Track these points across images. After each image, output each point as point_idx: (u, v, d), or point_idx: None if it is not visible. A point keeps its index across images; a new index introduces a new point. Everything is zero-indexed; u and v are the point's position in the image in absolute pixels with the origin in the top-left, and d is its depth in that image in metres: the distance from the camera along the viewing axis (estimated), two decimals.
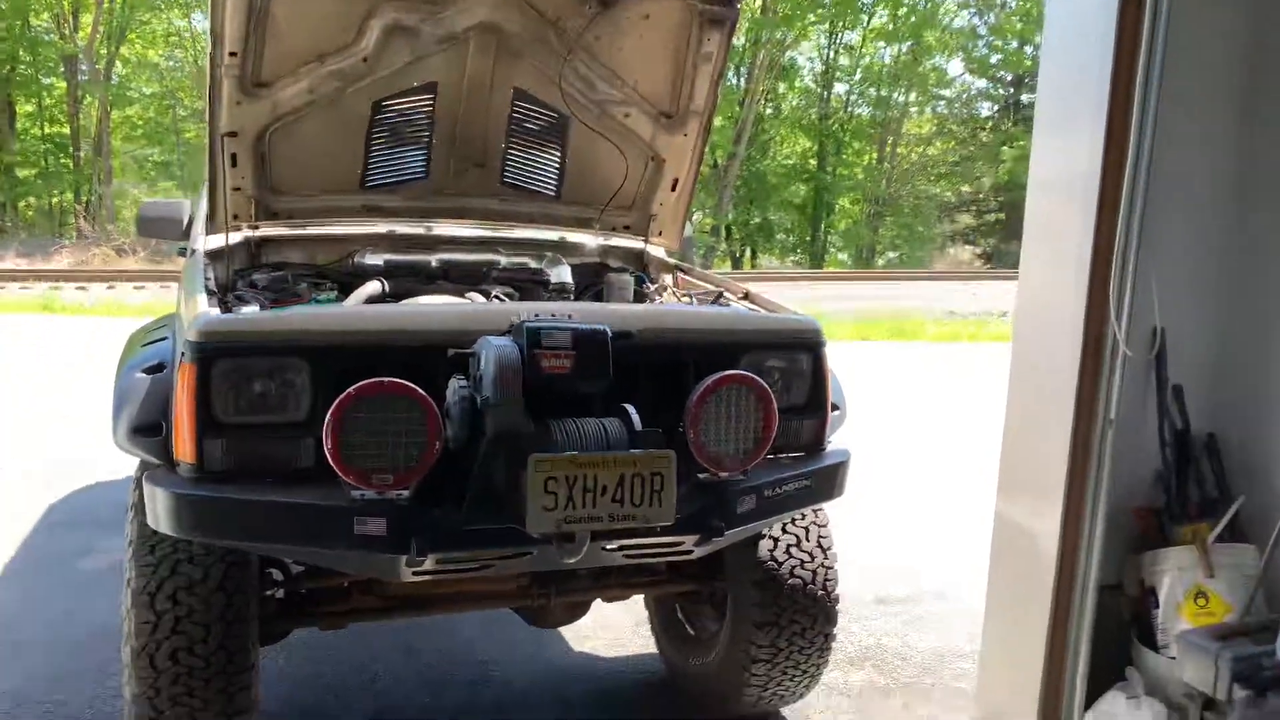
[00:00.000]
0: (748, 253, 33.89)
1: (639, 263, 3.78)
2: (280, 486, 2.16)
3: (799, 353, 2.61)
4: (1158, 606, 2.74)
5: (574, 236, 3.75)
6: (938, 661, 3.65)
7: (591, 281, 3.59)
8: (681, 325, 2.58)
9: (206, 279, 2.74)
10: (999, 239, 31.97)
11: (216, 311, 2.36)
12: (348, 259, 3.35)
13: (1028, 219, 2.96)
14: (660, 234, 3.73)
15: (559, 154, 3.49)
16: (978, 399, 7.95)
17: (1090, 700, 2.79)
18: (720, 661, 2.99)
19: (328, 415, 2.02)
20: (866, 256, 33.44)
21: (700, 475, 2.34)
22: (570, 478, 2.06)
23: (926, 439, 7.41)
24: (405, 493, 2.09)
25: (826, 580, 2.89)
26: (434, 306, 2.79)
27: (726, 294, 3.28)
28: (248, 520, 2.17)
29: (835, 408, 2.75)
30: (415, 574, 2.20)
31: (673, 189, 3.58)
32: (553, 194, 3.58)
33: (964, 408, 8.33)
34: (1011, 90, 33.99)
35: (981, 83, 35.32)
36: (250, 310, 2.67)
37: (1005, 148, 32.05)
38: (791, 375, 2.59)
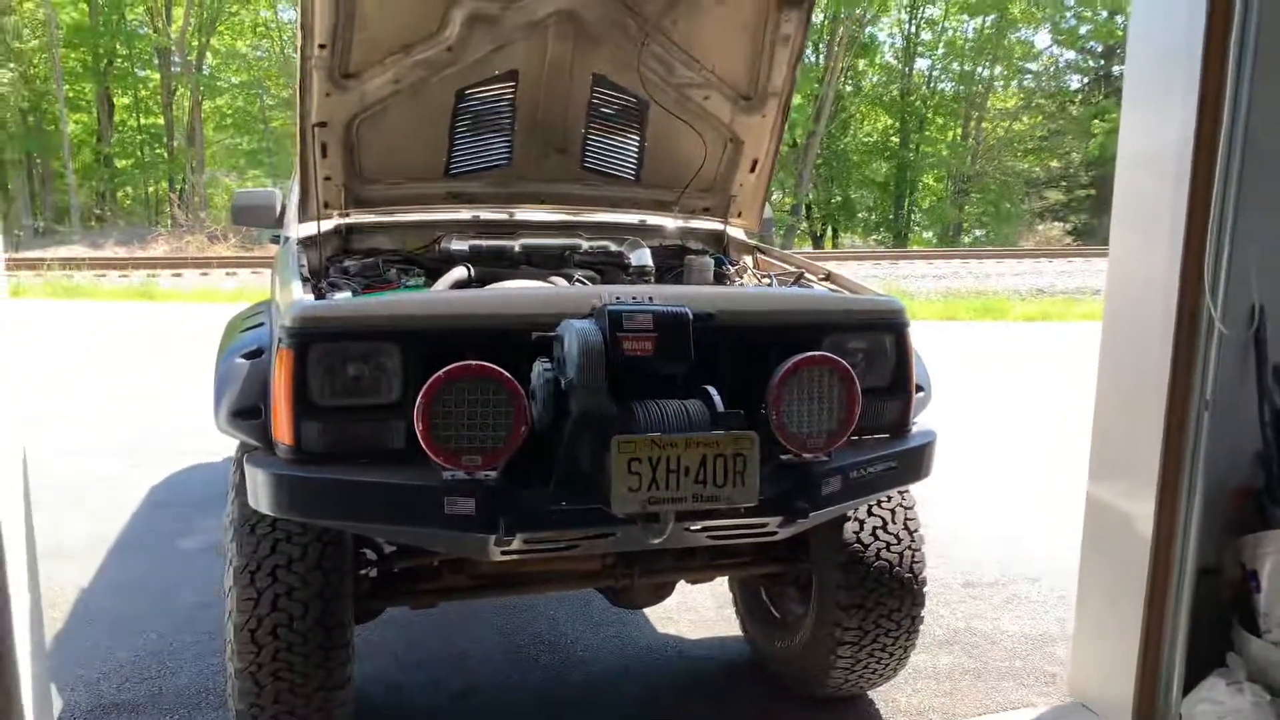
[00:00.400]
0: (829, 231, 33.53)
1: (719, 244, 3.78)
2: (374, 467, 2.22)
3: (882, 333, 2.59)
4: (1260, 591, 2.66)
5: (654, 219, 3.76)
6: (1028, 645, 3.59)
7: (672, 264, 3.60)
8: (762, 307, 2.58)
9: (300, 266, 2.81)
10: (1090, 215, 31.05)
11: (311, 298, 2.43)
12: (434, 245, 3.42)
13: (1117, 194, 2.88)
14: (740, 215, 3.72)
15: (638, 138, 3.50)
16: (1067, 379, 7.76)
17: (1187, 686, 2.73)
18: (806, 644, 2.99)
19: (418, 398, 2.08)
20: (952, 234, 32.83)
21: (784, 457, 2.34)
22: (653, 459, 2.07)
23: (1013, 420, 7.27)
24: (493, 473, 2.13)
25: (914, 562, 2.87)
26: (518, 291, 2.83)
27: (807, 275, 3.26)
28: (343, 500, 2.23)
29: (920, 389, 2.72)
30: (504, 553, 2.25)
31: (752, 170, 3.56)
32: (632, 178, 3.60)
33: (1053, 388, 8.15)
34: (1102, 62, 32.92)
35: (1070, 54, 34.33)
36: (343, 296, 2.73)
37: (1096, 121, 31.10)
38: (874, 356, 2.57)
